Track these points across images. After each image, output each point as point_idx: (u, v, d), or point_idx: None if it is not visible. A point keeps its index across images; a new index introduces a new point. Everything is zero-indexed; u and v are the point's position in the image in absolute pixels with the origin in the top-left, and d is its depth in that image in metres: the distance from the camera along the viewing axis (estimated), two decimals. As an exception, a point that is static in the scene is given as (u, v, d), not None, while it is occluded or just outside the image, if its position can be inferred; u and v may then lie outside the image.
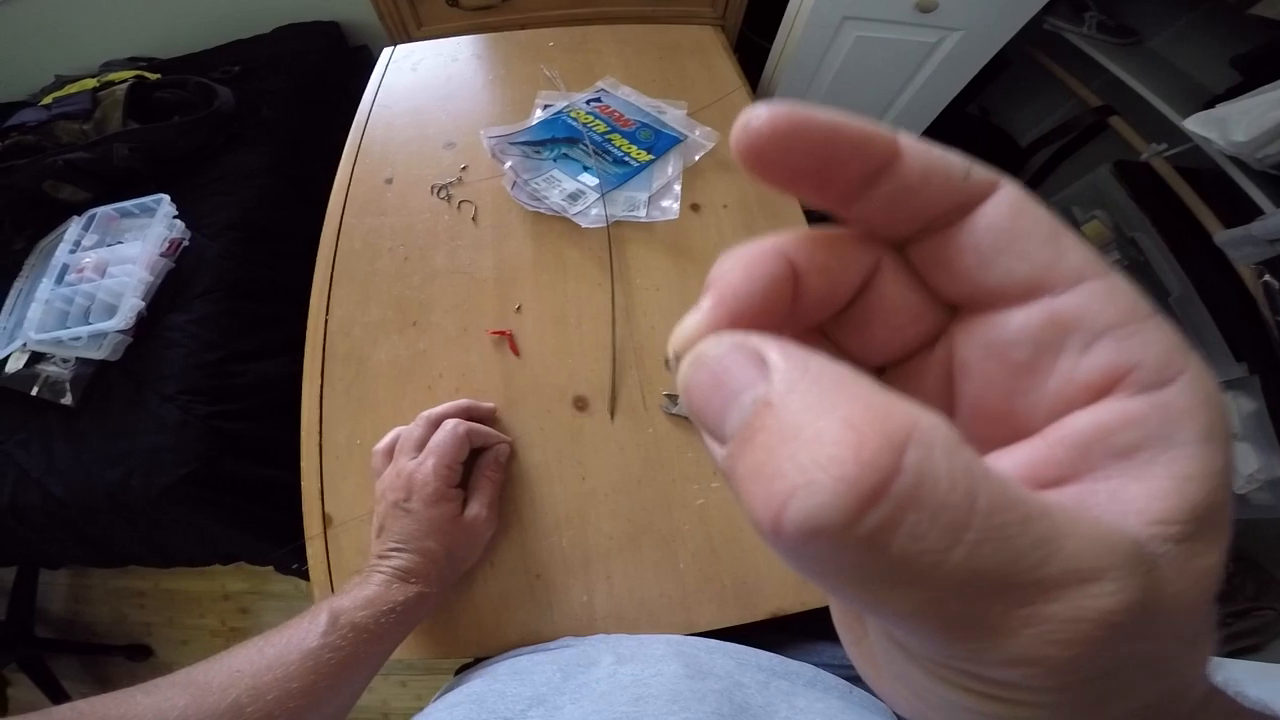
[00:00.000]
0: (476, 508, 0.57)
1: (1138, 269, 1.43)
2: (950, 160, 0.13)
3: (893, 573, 0.09)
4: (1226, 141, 1.20)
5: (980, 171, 0.14)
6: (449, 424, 0.57)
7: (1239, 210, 1.24)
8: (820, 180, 0.13)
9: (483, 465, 0.61)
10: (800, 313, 0.14)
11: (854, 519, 0.09)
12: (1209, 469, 0.11)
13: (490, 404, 0.65)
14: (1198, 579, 0.11)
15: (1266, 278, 1.24)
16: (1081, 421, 0.12)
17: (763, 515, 0.09)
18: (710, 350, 0.12)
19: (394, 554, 0.50)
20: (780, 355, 0.11)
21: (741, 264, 0.13)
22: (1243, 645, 1.33)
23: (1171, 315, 1.32)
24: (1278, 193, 1.20)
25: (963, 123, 2.01)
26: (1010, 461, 0.13)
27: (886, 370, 0.16)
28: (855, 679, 0.52)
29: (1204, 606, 0.11)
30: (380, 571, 0.49)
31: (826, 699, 0.48)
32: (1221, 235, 1.26)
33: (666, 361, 0.13)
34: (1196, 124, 1.25)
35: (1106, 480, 0.12)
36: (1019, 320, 0.13)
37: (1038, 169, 1.85)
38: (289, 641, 0.40)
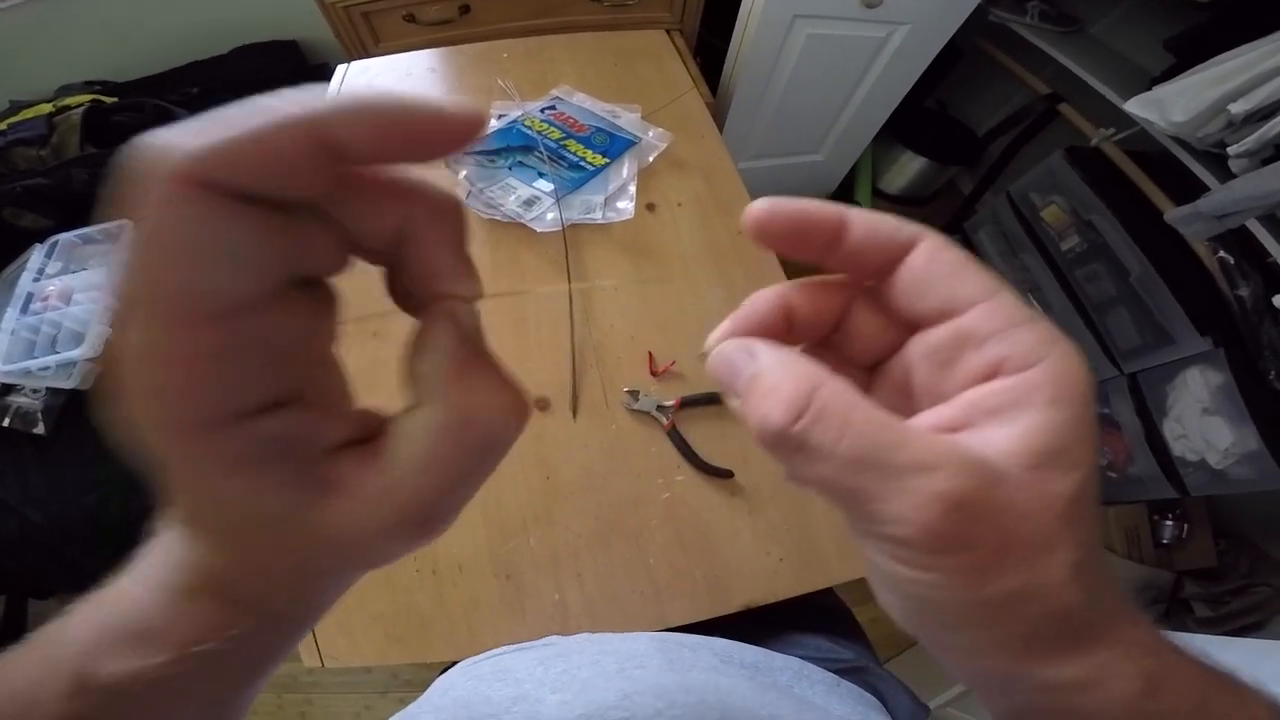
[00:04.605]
0: (378, 494, 0.17)
1: (1098, 251, 1.47)
2: (883, 225, 0.20)
3: (813, 455, 0.17)
4: (1167, 122, 1.23)
5: (906, 230, 0.20)
6: (144, 157, 0.13)
7: (1187, 190, 1.27)
8: (799, 247, 0.20)
9: (425, 341, 0.18)
10: (801, 333, 0.22)
11: (789, 425, 0.17)
12: (1050, 422, 0.17)
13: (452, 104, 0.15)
14: (1044, 496, 0.16)
15: (1221, 253, 1.27)
16: (973, 394, 0.18)
17: (758, 430, 0.17)
18: (726, 347, 0.20)
19: (189, 541, 0.19)
20: (762, 348, 0.19)
21: (751, 301, 0.21)
22: (1244, 623, 1.35)
23: (1133, 294, 1.36)
24: (1221, 170, 1.23)
25: (922, 116, 2.05)
26: (931, 417, 0.19)
27: (876, 367, 0.23)
28: (841, 672, 0.53)
29: (1049, 520, 0.16)
30: (179, 566, 0.19)
31: (813, 691, 0.49)
32: (1171, 213, 1.29)
33: (702, 355, 0.21)
34: (1137, 106, 1.28)
35: (983, 430, 0.18)
36: (939, 335, 0.20)
37: (996, 158, 1.89)
38: (18, 698, 0.19)
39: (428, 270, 0.18)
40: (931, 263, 0.19)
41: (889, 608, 0.20)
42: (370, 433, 0.18)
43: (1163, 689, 0.17)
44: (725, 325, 0.21)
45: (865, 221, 0.20)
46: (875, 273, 0.21)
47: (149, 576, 0.19)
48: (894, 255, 0.20)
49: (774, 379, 0.18)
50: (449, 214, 0.18)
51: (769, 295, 0.22)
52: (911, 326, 0.21)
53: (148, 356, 0.14)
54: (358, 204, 0.16)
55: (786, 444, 0.17)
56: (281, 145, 0.13)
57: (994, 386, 0.18)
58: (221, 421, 0.15)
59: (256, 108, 0.13)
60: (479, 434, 0.17)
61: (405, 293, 0.19)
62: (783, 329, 0.22)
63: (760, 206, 0.20)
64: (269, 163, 0.13)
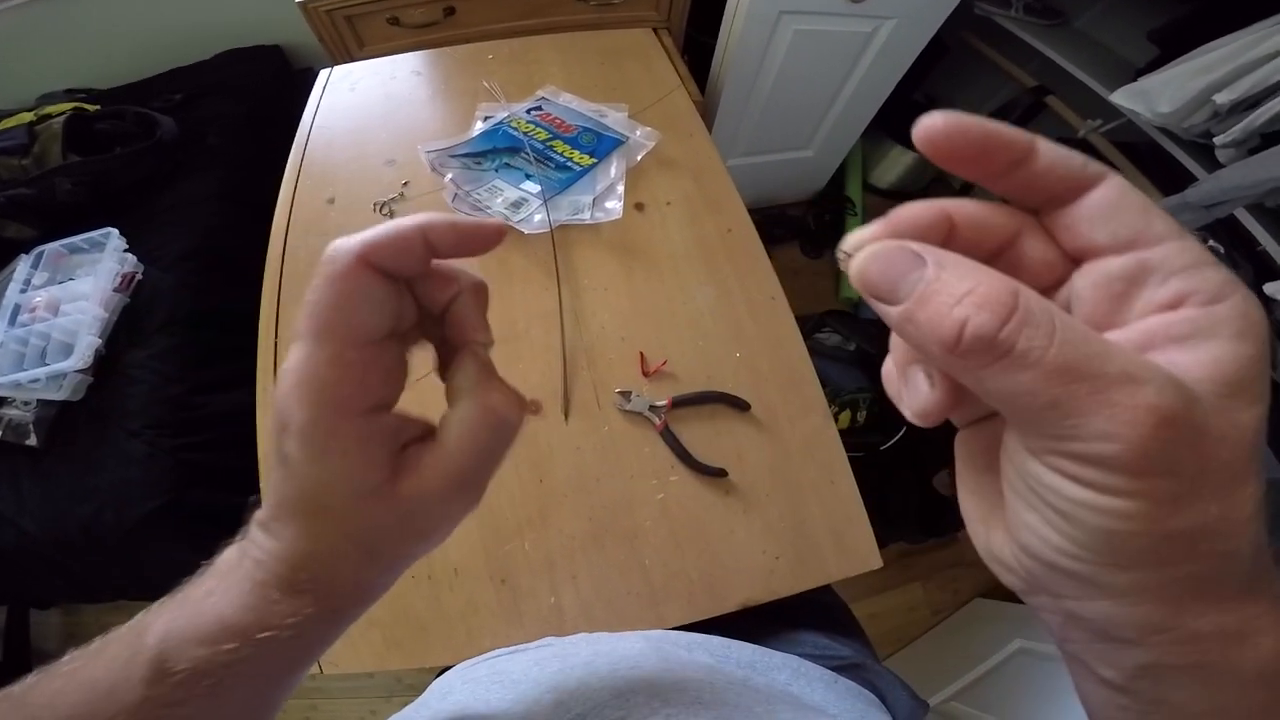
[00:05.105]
0: (434, 465, 0.25)
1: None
2: (1072, 156, 0.19)
3: (1017, 362, 0.15)
4: (1153, 113, 1.23)
5: (1093, 165, 0.19)
6: (330, 252, 0.24)
7: (1175, 180, 1.28)
8: (980, 163, 0.19)
9: (458, 368, 0.27)
10: (960, 251, 0.20)
11: (998, 329, 0.16)
12: (1238, 353, 0.17)
13: (489, 222, 0.27)
14: (1234, 424, 0.16)
15: (1211, 243, 1.28)
16: (1154, 321, 0.18)
17: (948, 337, 0.16)
18: (885, 246, 0.18)
19: (275, 533, 0.25)
20: (937, 249, 0.18)
21: (909, 207, 0.20)
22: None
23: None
24: (1208, 160, 1.24)
25: (909, 110, 2.04)
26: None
27: None
28: (839, 669, 0.53)
29: (1241, 449, 0.16)
30: (255, 564, 0.25)
31: (811, 688, 0.49)
32: (1159, 204, 1.29)
33: (839, 258, 0.20)
34: (1122, 98, 1.29)
35: (1167, 353, 0.17)
36: (1119, 265, 0.19)
37: (985, 151, 1.89)
38: (98, 686, 0.24)
39: (463, 324, 0.26)
40: (1124, 196, 0.19)
41: (1022, 550, 0.19)
42: (427, 433, 0.26)
43: None
44: (875, 227, 0.20)
45: (1054, 148, 0.19)
46: (1051, 200, 0.20)
47: (227, 571, 0.25)
48: (1077, 186, 0.19)
49: (969, 281, 0.16)
50: (480, 292, 0.27)
51: (929, 203, 0.20)
52: (1078, 260, 0.20)
53: (333, 361, 0.22)
54: (433, 282, 0.26)
55: (987, 350, 0.16)
56: (406, 243, 0.23)
57: (1179, 315, 0.17)
58: (363, 410, 0.23)
59: (396, 222, 0.23)
60: (499, 419, 0.25)
61: (444, 364, 0.28)
62: (938, 239, 0.20)
63: (944, 117, 0.19)
64: (400, 252, 0.23)
